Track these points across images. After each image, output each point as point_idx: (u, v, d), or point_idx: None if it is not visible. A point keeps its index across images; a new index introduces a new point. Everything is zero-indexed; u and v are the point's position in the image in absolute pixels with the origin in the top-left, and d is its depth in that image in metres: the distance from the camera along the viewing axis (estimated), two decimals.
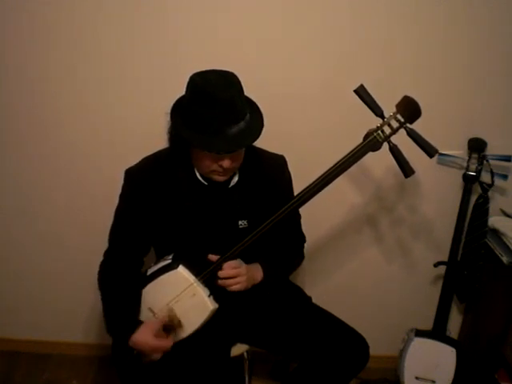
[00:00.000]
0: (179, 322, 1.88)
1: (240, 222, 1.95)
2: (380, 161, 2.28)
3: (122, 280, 1.95)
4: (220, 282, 1.86)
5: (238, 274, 1.87)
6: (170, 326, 1.88)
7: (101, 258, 2.02)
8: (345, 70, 2.30)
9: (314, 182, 1.79)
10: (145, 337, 1.81)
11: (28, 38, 2.25)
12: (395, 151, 1.77)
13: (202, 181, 1.92)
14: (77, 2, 2.19)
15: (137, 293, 1.91)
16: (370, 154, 1.78)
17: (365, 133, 1.79)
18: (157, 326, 1.84)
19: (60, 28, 2.23)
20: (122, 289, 1.92)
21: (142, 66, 2.29)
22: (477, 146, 2.39)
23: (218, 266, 1.86)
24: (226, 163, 1.77)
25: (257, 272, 1.96)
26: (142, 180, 1.91)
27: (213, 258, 1.88)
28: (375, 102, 1.76)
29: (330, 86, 2.33)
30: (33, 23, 2.22)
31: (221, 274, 1.85)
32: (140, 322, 1.85)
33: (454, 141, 2.42)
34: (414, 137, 1.75)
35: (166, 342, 1.84)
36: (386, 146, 1.78)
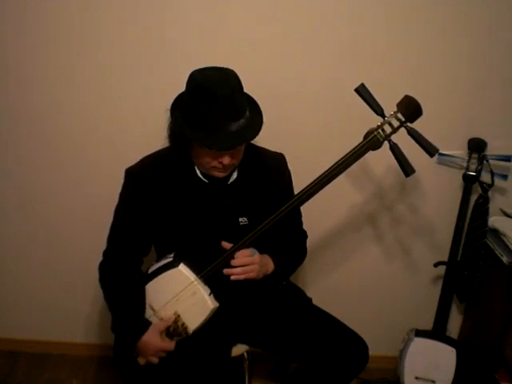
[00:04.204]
0: (183, 325, 1.88)
1: (240, 219, 1.96)
2: (381, 160, 2.29)
3: (125, 280, 1.95)
4: (235, 270, 1.84)
5: (251, 261, 1.86)
6: (174, 329, 1.89)
7: (100, 258, 2.02)
8: (345, 70, 2.31)
9: (314, 181, 1.79)
10: (152, 338, 1.84)
11: (27, 37, 2.25)
12: (396, 150, 1.77)
13: (203, 178, 1.93)
14: (77, 1, 2.20)
15: (141, 292, 1.92)
16: (371, 152, 1.78)
17: (365, 132, 1.79)
18: (162, 327, 1.87)
19: (59, 27, 2.23)
20: (127, 289, 1.93)
21: (142, 65, 2.30)
22: (477, 146, 2.39)
23: (220, 263, 1.86)
24: (226, 160, 1.78)
25: (268, 262, 1.96)
26: (143, 179, 1.92)
27: (226, 245, 1.88)
28: (376, 100, 1.77)
29: (331, 85, 2.34)
30: (32, 23, 2.22)
31: (234, 262, 1.84)
32: (149, 323, 1.87)
33: (454, 141, 2.43)
34: (415, 136, 1.75)
35: (170, 345, 1.87)
36: (386, 144, 1.78)
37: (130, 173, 1.95)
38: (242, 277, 1.85)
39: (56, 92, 2.35)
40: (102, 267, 2.01)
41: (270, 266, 1.96)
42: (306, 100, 2.37)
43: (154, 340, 1.85)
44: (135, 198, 1.93)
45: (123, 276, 1.96)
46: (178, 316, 1.88)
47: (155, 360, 1.87)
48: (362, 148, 1.77)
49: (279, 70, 2.32)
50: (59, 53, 2.28)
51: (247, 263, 1.85)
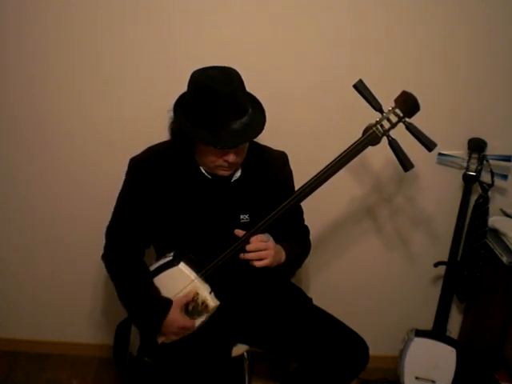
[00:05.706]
0: (203, 303, 1.87)
1: (242, 217, 1.95)
2: (380, 156, 2.31)
3: (132, 264, 1.96)
4: (249, 255, 1.83)
5: (266, 247, 1.85)
6: (194, 307, 1.87)
7: (101, 253, 2.03)
8: (345, 69, 2.31)
9: (314, 177, 1.80)
10: (176, 315, 1.84)
11: (28, 37, 2.26)
12: (394, 145, 1.78)
13: (206, 174, 1.92)
14: (77, 1, 2.21)
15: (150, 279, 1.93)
16: (370, 148, 1.79)
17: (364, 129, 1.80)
18: (183, 302, 1.87)
19: (59, 27, 2.24)
20: (137, 272, 1.94)
21: (142, 65, 2.30)
22: (477, 146, 2.40)
23: (222, 261, 1.86)
24: (231, 158, 1.78)
25: (281, 251, 1.95)
26: (147, 169, 1.92)
27: (239, 232, 1.87)
28: (374, 96, 1.78)
29: (330, 84, 2.34)
30: (32, 22, 2.23)
31: (249, 247, 1.83)
32: (171, 301, 1.86)
33: (454, 141, 2.43)
34: (413, 131, 1.76)
35: (191, 323, 1.87)
36: (385, 140, 1.79)
37: (134, 162, 1.95)
38: (258, 263, 1.83)
39: (56, 92, 2.35)
40: (107, 256, 2.02)
41: (282, 254, 1.95)
42: (306, 99, 2.37)
43: (177, 317, 1.84)
44: (138, 187, 1.93)
45: (129, 260, 1.97)
46: (197, 293, 1.86)
47: (175, 338, 1.88)
48: (361, 144, 1.78)
49: (279, 70, 2.32)
50: (59, 53, 2.28)
51: (262, 248, 1.84)
